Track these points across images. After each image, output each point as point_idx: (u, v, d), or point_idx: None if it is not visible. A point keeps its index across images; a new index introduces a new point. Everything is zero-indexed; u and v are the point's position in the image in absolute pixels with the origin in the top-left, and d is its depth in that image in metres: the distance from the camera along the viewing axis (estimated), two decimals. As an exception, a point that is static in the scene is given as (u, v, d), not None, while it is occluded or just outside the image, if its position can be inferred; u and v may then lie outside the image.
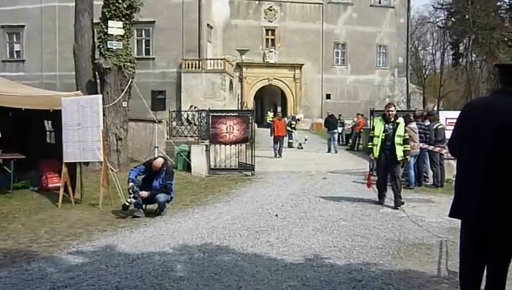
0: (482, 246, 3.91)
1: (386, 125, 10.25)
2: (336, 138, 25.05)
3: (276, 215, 9.40)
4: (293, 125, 27.48)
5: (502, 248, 3.84)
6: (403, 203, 10.23)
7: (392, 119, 10.26)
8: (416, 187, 12.90)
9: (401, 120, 10.40)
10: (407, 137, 10.41)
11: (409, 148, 10.51)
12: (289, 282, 5.51)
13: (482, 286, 4.02)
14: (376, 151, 10.35)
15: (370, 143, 10.58)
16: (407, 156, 10.50)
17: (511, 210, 3.69)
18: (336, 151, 23.78)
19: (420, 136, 12.99)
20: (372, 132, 10.66)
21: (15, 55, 38.26)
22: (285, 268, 6.01)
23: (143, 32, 35.55)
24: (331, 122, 25.10)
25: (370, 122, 16.79)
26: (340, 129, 29.86)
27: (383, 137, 10.23)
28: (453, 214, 4.11)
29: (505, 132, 3.73)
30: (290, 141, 26.86)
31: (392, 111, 10.29)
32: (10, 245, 7.28)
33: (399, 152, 10.12)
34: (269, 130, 25.67)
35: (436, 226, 8.45)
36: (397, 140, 10.12)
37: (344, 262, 6.29)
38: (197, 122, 19.35)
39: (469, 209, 3.90)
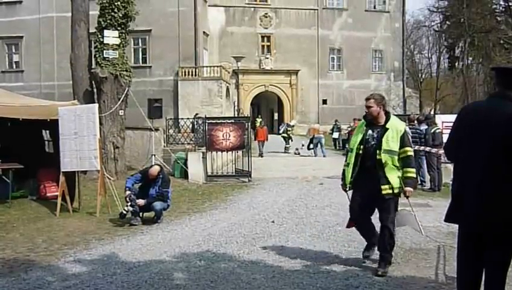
0: (480, 251, 3.89)
1: (369, 132, 6.09)
2: (323, 143, 25.35)
3: (273, 222, 9.43)
4: (289, 132, 27.88)
5: (499, 253, 3.83)
6: (384, 274, 5.93)
7: (381, 123, 6.05)
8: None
9: (396, 124, 6.07)
10: (410, 154, 6.00)
11: (414, 175, 6.03)
12: (285, 289, 5.52)
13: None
14: (348, 178, 6.18)
15: (344, 162, 6.37)
16: (409, 189, 5.95)
17: (508, 215, 3.69)
18: (324, 156, 24.21)
19: (414, 140, 13.06)
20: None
21: (14, 66, 38.28)
22: (282, 275, 6.02)
23: (139, 40, 35.61)
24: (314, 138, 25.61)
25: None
26: (336, 134, 30.10)
27: (361, 152, 6.06)
28: (449, 218, 4.09)
29: (502, 136, 3.72)
30: (286, 146, 27.27)
31: (370, 107, 6.04)
32: (8, 255, 7.30)
33: (387, 180, 5.87)
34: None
35: (433, 231, 8.43)
36: (384, 158, 5.86)
37: (341, 268, 6.29)
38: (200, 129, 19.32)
39: (466, 214, 3.87)
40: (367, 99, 6.16)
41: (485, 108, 4.00)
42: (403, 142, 5.95)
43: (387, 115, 6.12)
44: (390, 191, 5.88)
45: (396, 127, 6.00)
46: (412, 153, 6.06)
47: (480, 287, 4.00)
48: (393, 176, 5.88)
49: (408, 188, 5.91)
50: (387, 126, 5.97)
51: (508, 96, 3.85)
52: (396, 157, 5.90)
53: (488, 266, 3.89)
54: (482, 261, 3.90)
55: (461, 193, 3.94)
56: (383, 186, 5.86)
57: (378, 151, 5.89)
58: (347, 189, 6.32)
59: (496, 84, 4.10)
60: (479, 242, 3.88)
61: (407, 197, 6.00)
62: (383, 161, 5.87)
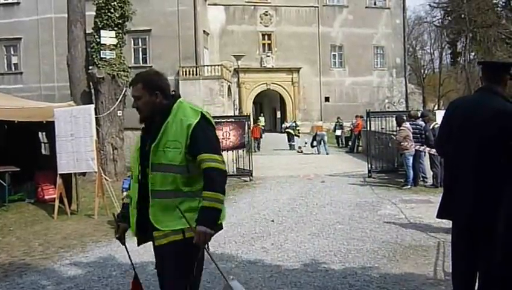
0: (473, 246, 3.86)
1: (147, 142, 3.37)
2: (326, 140, 25.31)
3: (273, 221, 9.34)
4: (297, 129, 28.01)
5: (492, 248, 3.79)
6: None
7: (158, 120, 3.39)
8: (412, 187, 12.87)
9: (183, 114, 3.30)
10: (210, 165, 3.12)
11: (213, 204, 3.05)
12: (283, 288, 5.44)
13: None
14: (132, 223, 3.42)
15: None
16: (199, 230, 3.01)
17: (498, 210, 3.63)
18: (327, 153, 24.12)
19: (415, 136, 12.95)
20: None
21: (13, 68, 38.21)
22: (279, 274, 5.94)
23: (139, 40, 35.58)
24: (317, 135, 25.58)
25: (367, 124, 16.72)
26: (339, 132, 29.99)
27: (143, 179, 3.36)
28: (441, 214, 4.07)
29: (491, 129, 3.71)
30: (292, 143, 27.41)
31: (139, 98, 3.45)
32: (3, 259, 7.23)
33: (160, 220, 3.22)
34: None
35: (434, 227, 8.35)
36: (155, 180, 3.24)
37: (339, 266, 6.21)
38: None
39: (458, 209, 3.87)
40: (131, 85, 3.59)
41: (473, 103, 4.02)
42: (196, 144, 3.20)
43: (169, 103, 3.40)
44: (167, 240, 3.23)
45: (181, 119, 3.28)
46: (214, 164, 3.16)
47: (476, 281, 3.94)
48: (172, 211, 3.20)
49: (198, 228, 3.05)
50: (168, 120, 3.31)
51: (495, 91, 3.87)
52: (182, 176, 3.22)
53: (482, 261, 3.85)
54: (476, 255, 3.85)
55: (452, 189, 3.96)
56: (154, 233, 3.26)
57: (147, 170, 3.32)
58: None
59: (483, 79, 4.10)
60: (472, 237, 3.85)
61: (198, 246, 3.10)
62: (152, 186, 3.27)
